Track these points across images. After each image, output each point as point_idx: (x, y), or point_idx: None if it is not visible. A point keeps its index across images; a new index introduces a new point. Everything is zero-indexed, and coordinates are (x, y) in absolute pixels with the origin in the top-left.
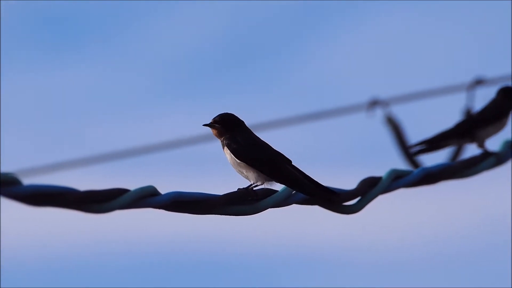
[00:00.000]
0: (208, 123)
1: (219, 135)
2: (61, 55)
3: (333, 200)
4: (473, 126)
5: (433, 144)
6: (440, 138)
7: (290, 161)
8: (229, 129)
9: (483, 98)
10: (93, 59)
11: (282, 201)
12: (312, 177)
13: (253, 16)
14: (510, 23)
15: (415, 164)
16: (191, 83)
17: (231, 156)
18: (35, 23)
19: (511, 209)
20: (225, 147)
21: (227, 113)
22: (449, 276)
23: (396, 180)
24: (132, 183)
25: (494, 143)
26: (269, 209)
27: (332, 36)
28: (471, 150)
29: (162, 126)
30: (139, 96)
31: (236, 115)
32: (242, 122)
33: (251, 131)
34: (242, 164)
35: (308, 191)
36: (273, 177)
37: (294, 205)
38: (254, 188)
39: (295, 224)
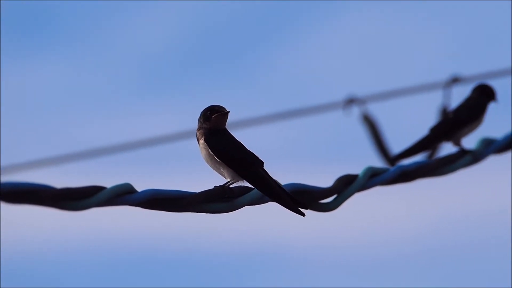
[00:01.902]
0: (227, 111)
1: (223, 124)
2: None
3: (298, 213)
4: (450, 129)
5: (412, 154)
6: (418, 147)
7: (263, 163)
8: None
9: (459, 96)
10: (67, 57)
11: (258, 199)
12: (280, 184)
13: (228, 14)
14: (485, 21)
15: (391, 161)
16: (165, 81)
17: (209, 152)
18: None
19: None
20: (203, 142)
21: None
22: (425, 273)
23: (373, 178)
24: (108, 181)
25: (470, 141)
26: (245, 207)
27: (309, 34)
28: (447, 148)
29: (138, 123)
30: (114, 93)
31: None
32: None
33: (226, 129)
34: (220, 161)
35: (281, 200)
36: (248, 180)
37: (270, 203)
38: (230, 186)
39: (271, 222)
